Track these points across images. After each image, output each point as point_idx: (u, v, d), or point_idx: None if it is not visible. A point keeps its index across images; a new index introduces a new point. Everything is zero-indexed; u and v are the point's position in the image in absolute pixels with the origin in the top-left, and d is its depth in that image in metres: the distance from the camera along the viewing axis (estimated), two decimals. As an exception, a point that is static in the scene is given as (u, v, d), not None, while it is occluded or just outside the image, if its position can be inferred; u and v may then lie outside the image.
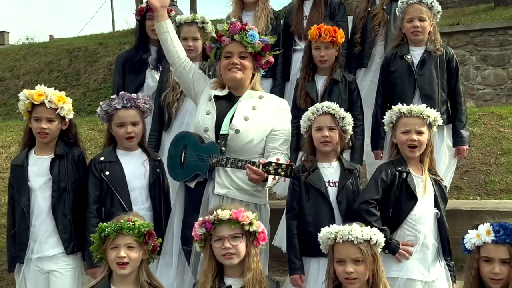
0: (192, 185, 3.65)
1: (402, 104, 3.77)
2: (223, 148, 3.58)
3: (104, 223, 3.11)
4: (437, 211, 3.60)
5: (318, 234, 3.13)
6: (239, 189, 3.61)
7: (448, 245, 3.60)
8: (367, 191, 3.61)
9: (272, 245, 4.02)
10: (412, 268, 3.45)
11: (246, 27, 3.70)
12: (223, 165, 3.54)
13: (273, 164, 3.43)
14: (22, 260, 3.77)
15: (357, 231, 2.97)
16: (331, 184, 3.70)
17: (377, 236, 3.01)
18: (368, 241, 2.98)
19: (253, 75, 3.81)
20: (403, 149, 3.65)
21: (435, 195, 3.61)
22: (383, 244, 3.08)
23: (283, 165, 3.42)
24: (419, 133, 3.60)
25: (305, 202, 3.66)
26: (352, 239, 2.96)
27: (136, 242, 3.09)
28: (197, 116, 3.75)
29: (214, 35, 3.86)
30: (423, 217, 3.55)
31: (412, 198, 3.56)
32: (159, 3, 3.77)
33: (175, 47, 3.89)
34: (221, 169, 3.59)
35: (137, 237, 3.09)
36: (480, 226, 2.98)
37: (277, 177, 3.49)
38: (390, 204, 3.58)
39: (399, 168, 3.60)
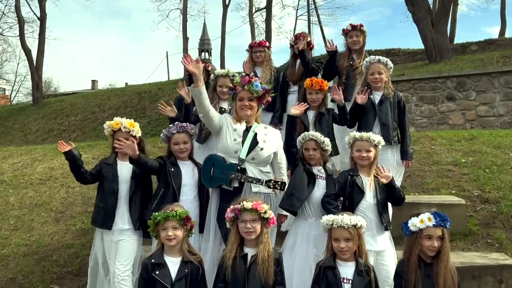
0: (231, 188, 3.61)
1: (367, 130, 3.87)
2: (241, 166, 3.59)
3: (156, 213, 3.13)
4: (376, 200, 3.57)
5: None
6: (264, 186, 3.65)
7: (382, 220, 3.54)
8: (329, 189, 3.67)
9: (278, 226, 3.99)
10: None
11: (252, 80, 3.75)
12: (239, 180, 3.57)
13: (272, 181, 3.55)
14: (109, 227, 3.79)
15: (347, 219, 3.00)
16: (318, 177, 3.75)
17: (361, 221, 3.04)
18: (355, 226, 3.00)
19: (258, 109, 3.86)
20: (356, 161, 3.70)
21: (376, 190, 3.58)
22: (365, 226, 3.10)
23: (279, 182, 3.54)
24: (367, 151, 3.64)
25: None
26: (344, 225, 2.99)
27: (178, 224, 3.10)
28: (225, 142, 3.71)
29: (231, 85, 3.88)
30: (369, 205, 3.55)
31: (360, 193, 3.56)
32: (197, 70, 3.61)
33: (207, 106, 3.71)
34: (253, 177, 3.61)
35: (179, 220, 3.10)
36: (422, 215, 3.01)
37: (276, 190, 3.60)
38: (346, 197, 3.61)
39: (351, 173, 3.65)
